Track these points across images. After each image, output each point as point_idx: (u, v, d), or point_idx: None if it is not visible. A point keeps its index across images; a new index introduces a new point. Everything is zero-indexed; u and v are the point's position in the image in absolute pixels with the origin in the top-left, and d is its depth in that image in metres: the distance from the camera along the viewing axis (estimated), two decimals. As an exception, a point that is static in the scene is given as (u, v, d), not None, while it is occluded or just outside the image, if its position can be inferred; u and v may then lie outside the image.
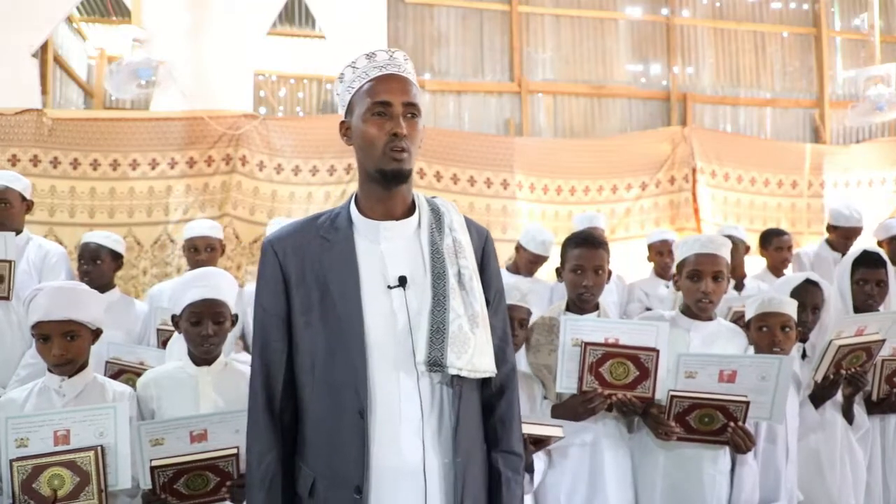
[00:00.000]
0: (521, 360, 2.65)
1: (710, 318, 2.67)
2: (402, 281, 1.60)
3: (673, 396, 2.36)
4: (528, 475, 2.36)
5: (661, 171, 6.38)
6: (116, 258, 3.62)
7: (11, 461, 1.94)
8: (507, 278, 3.99)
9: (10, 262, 3.06)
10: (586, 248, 2.59)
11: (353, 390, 1.55)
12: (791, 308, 2.69)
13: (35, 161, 5.22)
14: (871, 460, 2.95)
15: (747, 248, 4.71)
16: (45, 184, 5.19)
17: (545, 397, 2.60)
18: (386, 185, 1.62)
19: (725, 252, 2.66)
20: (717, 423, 2.38)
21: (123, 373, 2.79)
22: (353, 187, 5.45)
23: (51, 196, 5.22)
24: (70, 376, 2.20)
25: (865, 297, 3.07)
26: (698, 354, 2.47)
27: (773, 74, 7.30)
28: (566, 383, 2.44)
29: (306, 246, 1.64)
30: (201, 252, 3.83)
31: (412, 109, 1.62)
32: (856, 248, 3.61)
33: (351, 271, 1.60)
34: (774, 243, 4.67)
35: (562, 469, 2.55)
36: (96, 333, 2.27)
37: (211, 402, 2.29)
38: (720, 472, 2.48)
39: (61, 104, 6.68)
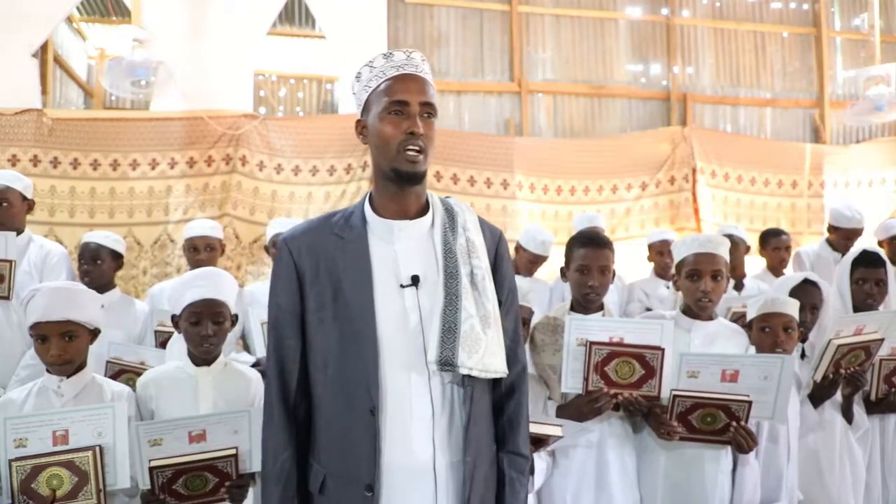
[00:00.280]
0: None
1: (710, 318, 2.67)
2: (415, 280, 1.62)
3: (675, 396, 2.36)
4: (529, 476, 2.36)
5: (661, 171, 6.38)
6: (116, 258, 3.62)
7: (10, 461, 1.94)
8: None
9: (10, 261, 3.05)
10: (592, 247, 2.58)
11: (365, 388, 1.56)
12: (793, 308, 2.69)
13: (35, 161, 5.22)
14: (871, 460, 2.95)
15: (747, 248, 4.71)
16: (45, 184, 5.19)
17: (549, 398, 2.59)
18: (400, 185, 1.64)
19: (724, 251, 2.66)
20: (719, 423, 2.38)
21: (124, 373, 2.79)
22: (353, 187, 5.55)
23: (51, 196, 5.22)
24: (68, 376, 2.20)
25: (865, 297, 3.07)
26: (700, 354, 2.47)
27: (773, 74, 7.29)
28: (571, 383, 2.43)
29: (321, 244, 1.66)
30: (201, 252, 3.83)
31: (429, 109, 1.63)
32: (856, 247, 3.61)
33: (364, 270, 1.62)
34: (772, 243, 4.68)
35: (567, 469, 2.54)
36: (94, 333, 2.27)
37: (210, 403, 2.30)
38: (722, 471, 2.48)
39: (61, 104, 6.68)
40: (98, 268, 3.53)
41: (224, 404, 2.27)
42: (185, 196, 5.41)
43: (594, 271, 2.56)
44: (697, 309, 2.64)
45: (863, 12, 7.40)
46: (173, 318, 2.39)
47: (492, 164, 6.02)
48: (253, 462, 2.10)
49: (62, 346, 2.17)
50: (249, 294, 3.92)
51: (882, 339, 2.74)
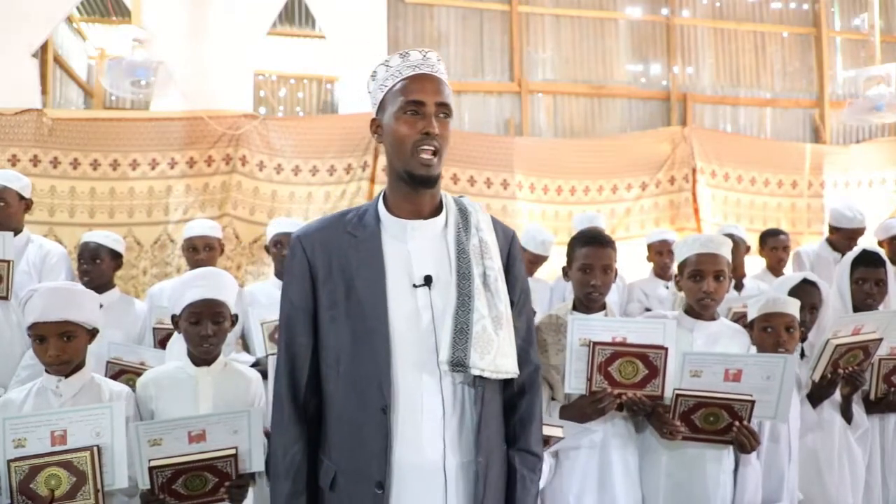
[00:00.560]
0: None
1: (712, 318, 2.66)
2: (428, 280, 1.62)
3: (678, 395, 2.36)
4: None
5: (661, 171, 6.38)
6: (116, 257, 3.62)
7: (9, 461, 1.94)
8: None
9: (8, 261, 3.04)
10: (594, 246, 2.58)
11: (377, 387, 1.57)
12: (795, 308, 2.69)
13: (35, 161, 5.23)
14: (871, 459, 2.95)
15: (748, 248, 4.71)
16: (45, 184, 5.20)
17: (553, 398, 2.58)
18: (414, 187, 1.64)
19: (726, 251, 2.66)
20: (722, 423, 2.37)
21: (124, 373, 2.79)
22: (353, 187, 5.55)
23: (51, 196, 5.22)
24: (67, 376, 2.20)
25: (865, 297, 3.07)
26: (703, 353, 2.47)
27: (773, 74, 7.29)
28: (575, 384, 2.43)
29: (334, 242, 1.66)
30: (200, 252, 3.83)
31: (444, 110, 1.64)
32: (856, 248, 3.61)
33: (377, 269, 1.62)
34: (770, 243, 4.68)
35: (570, 470, 2.53)
36: (93, 333, 2.27)
37: (210, 403, 2.30)
38: (724, 472, 2.47)
39: (61, 104, 6.68)
40: (97, 267, 3.52)
41: (224, 404, 2.27)
42: (185, 196, 5.41)
43: (596, 270, 2.55)
44: (700, 309, 2.63)
45: (863, 12, 7.39)
46: (173, 317, 2.39)
47: (492, 164, 6.02)
48: (252, 462, 2.10)
49: (60, 346, 2.17)
50: (249, 294, 3.92)
51: (881, 339, 2.74)
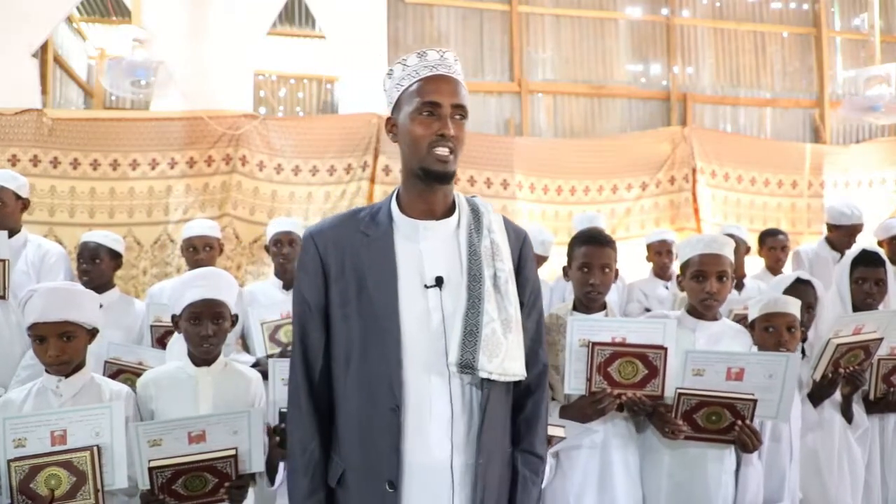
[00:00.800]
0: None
1: (715, 318, 2.66)
2: (439, 281, 1.63)
3: (681, 394, 2.35)
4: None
5: (661, 171, 6.38)
6: (115, 257, 3.61)
7: (9, 461, 1.94)
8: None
9: (4, 261, 3.02)
10: (593, 245, 2.58)
11: (388, 386, 1.58)
12: (796, 308, 2.69)
13: (35, 161, 5.22)
14: (870, 459, 2.95)
15: (748, 249, 4.71)
16: (45, 184, 5.20)
17: (553, 398, 2.58)
18: (428, 184, 1.64)
19: (729, 251, 2.65)
20: (724, 422, 2.37)
21: (122, 373, 2.78)
22: (353, 187, 5.55)
23: (51, 196, 5.22)
24: (67, 376, 2.20)
25: (864, 297, 3.07)
26: (706, 351, 2.47)
27: (773, 74, 7.29)
28: (575, 384, 2.43)
29: (346, 240, 1.67)
30: (200, 251, 3.83)
31: (460, 111, 1.65)
32: (856, 247, 3.61)
33: (389, 268, 1.63)
34: (768, 243, 4.69)
35: (571, 470, 2.53)
36: (92, 333, 2.27)
37: (210, 403, 2.30)
38: (725, 471, 2.47)
39: (61, 104, 6.68)
40: (97, 267, 3.51)
41: (224, 405, 2.27)
42: (185, 196, 5.41)
43: (596, 269, 2.55)
44: (703, 309, 2.63)
45: (863, 12, 7.40)
46: (173, 317, 2.39)
47: (492, 164, 6.02)
48: (252, 462, 2.10)
49: (60, 346, 2.16)
50: (249, 294, 3.91)
51: (881, 339, 2.74)
